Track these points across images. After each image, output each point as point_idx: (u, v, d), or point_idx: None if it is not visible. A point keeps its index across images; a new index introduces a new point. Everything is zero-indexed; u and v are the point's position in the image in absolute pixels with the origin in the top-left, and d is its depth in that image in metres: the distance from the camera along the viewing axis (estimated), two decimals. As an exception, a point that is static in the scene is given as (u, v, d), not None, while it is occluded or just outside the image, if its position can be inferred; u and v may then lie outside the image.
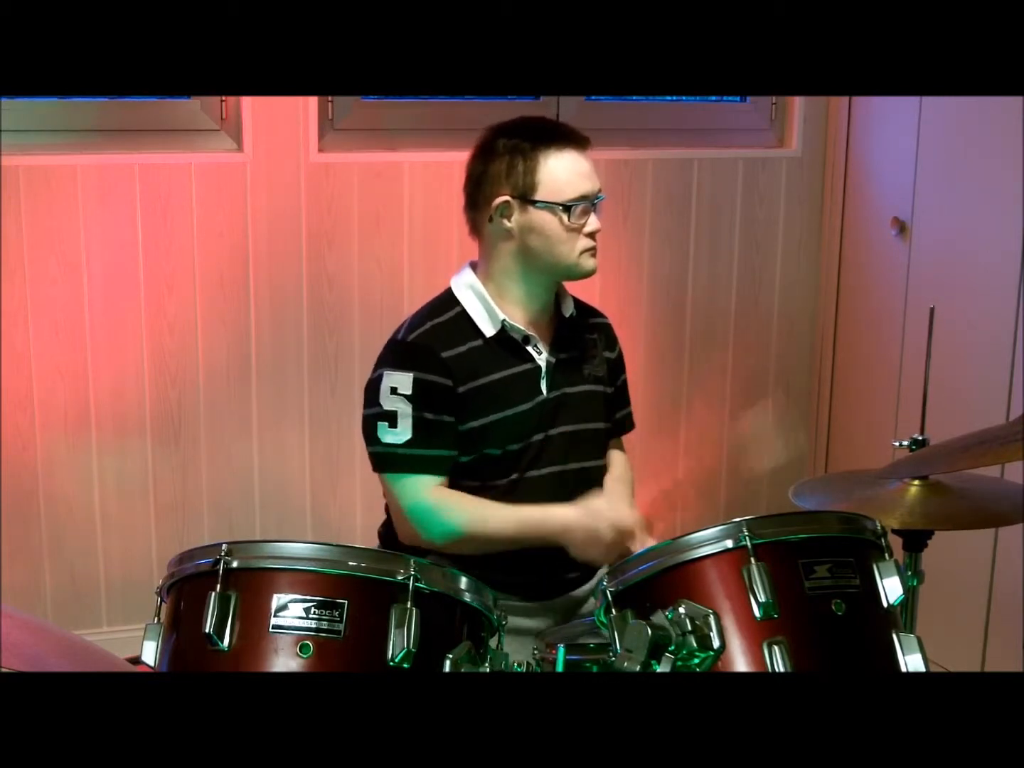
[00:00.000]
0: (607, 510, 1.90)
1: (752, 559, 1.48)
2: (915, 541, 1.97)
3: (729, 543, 1.50)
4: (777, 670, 1.43)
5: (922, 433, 2.04)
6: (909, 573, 1.94)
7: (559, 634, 1.83)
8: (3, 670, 1.03)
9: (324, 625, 1.42)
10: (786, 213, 3.38)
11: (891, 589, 1.55)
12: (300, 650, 1.41)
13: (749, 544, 1.49)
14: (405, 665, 1.43)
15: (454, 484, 1.98)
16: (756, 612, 1.46)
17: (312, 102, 2.91)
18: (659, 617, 1.45)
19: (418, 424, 1.92)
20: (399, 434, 1.92)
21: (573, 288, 2.11)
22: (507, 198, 1.94)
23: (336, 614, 1.43)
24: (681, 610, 1.46)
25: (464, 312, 1.99)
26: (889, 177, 3.18)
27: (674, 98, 3.35)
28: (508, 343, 1.99)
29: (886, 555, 1.58)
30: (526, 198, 1.93)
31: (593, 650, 1.65)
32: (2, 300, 2.74)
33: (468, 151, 2.04)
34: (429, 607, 1.47)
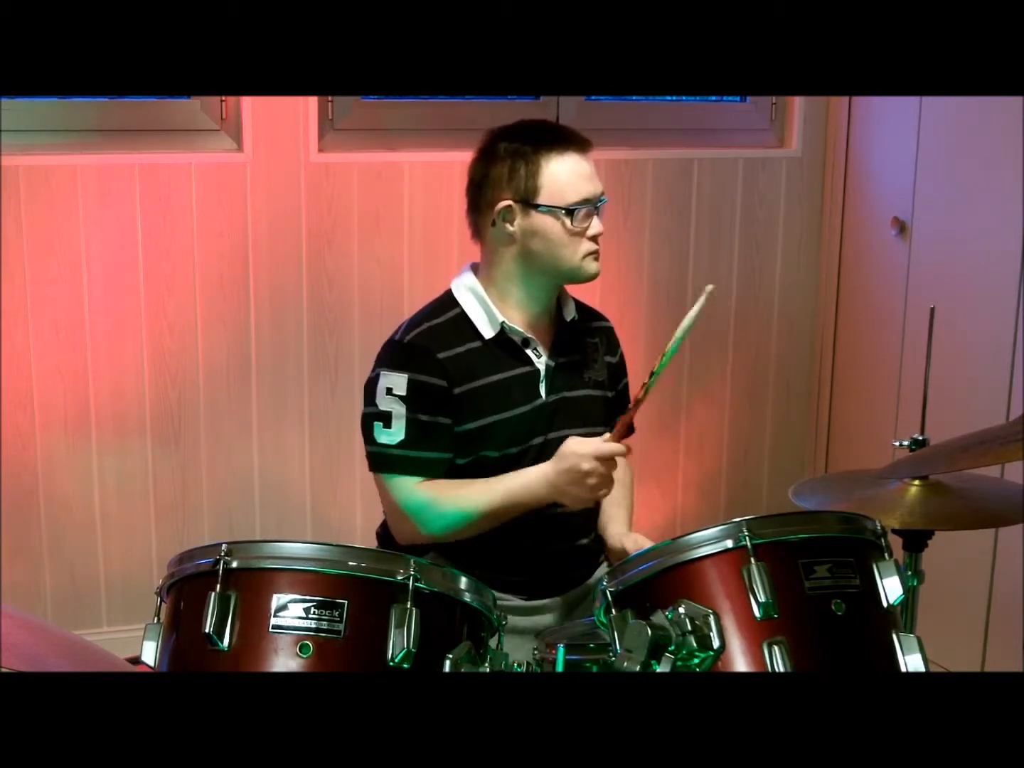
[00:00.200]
0: (578, 446, 1.87)
1: (752, 559, 1.48)
2: (915, 541, 1.97)
3: (729, 543, 1.50)
4: (777, 670, 1.43)
5: (922, 433, 2.04)
6: (909, 573, 1.94)
7: (559, 634, 1.83)
8: (3, 670, 1.03)
9: (324, 625, 1.42)
10: (786, 213, 3.38)
11: (891, 589, 1.55)
12: (300, 650, 1.41)
13: (749, 544, 1.49)
14: (405, 665, 1.43)
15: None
16: (756, 612, 1.46)
17: (312, 102, 2.91)
18: (659, 617, 1.45)
19: (411, 425, 1.92)
20: (393, 434, 1.92)
21: (574, 289, 2.10)
22: (509, 202, 1.93)
23: (336, 614, 1.43)
24: (681, 610, 1.46)
25: (463, 314, 1.99)
26: (889, 177, 3.18)
27: (674, 98, 3.35)
28: (507, 345, 1.99)
29: (886, 555, 1.58)
30: (528, 202, 1.93)
31: (593, 650, 1.65)
32: (2, 300, 2.74)
33: (468, 151, 2.03)
34: (429, 607, 1.47)
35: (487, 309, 1.98)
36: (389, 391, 1.93)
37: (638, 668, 1.42)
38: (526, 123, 2.03)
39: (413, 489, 1.93)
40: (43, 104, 2.79)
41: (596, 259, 1.98)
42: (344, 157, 2.97)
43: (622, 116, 3.27)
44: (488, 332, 1.98)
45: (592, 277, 1.99)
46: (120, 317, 2.85)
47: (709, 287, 1.82)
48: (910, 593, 1.95)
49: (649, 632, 1.42)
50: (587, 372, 2.08)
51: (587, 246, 1.96)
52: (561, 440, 2.00)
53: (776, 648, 1.44)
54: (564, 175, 1.93)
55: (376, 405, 1.94)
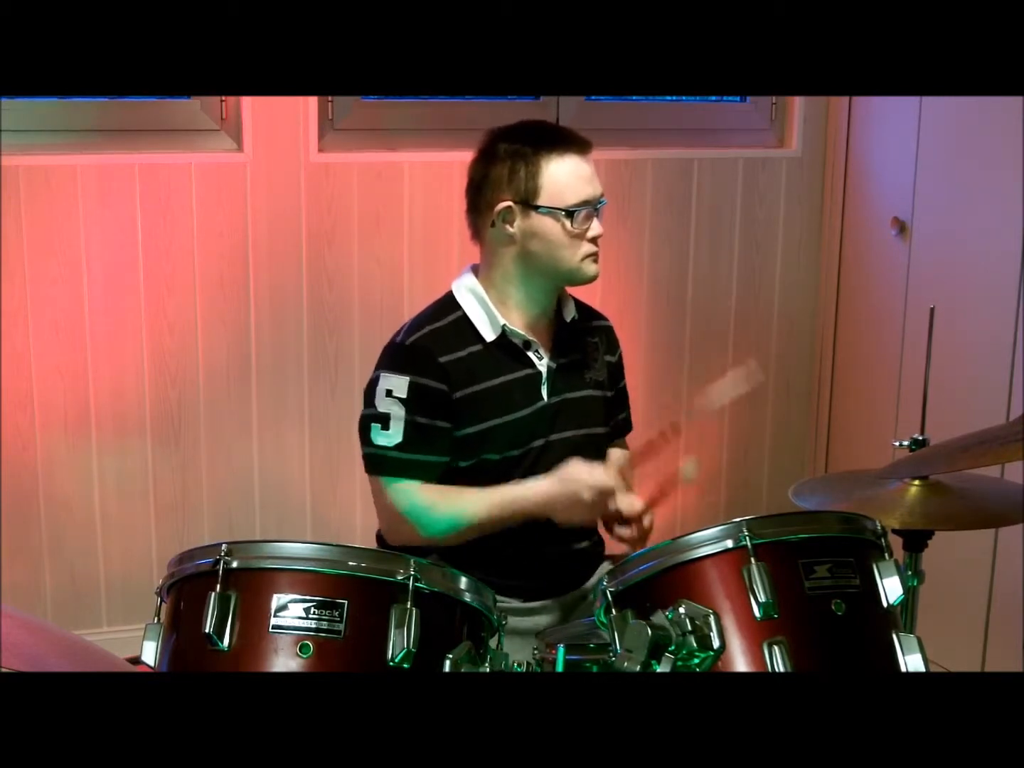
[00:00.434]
0: (582, 473, 1.89)
1: (752, 559, 1.48)
2: (915, 541, 1.97)
3: (729, 543, 1.50)
4: (777, 670, 1.43)
5: (922, 433, 2.04)
6: (909, 573, 1.94)
7: (559, 634, 1.83)
8: (3, 670, 1.03)
9: (324, 625, 1.42)
10: (786, 213, 3.38)
11: (891, 589, 1.55)
12: (300, 650, 1.41)
13: (749, 544, 1.49)
14: (405, 665, 1.43)
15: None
16: (756, 612, 1.46)
17: (312, 102, 2.91)
18: (659, 617, 1.45)
19: (409, 428, 1.92)
20: (390, 437, 1.92)
21: (574, 289, 2.10)
22: (509, 203, 1.93)
23: (336, 614, 1.43)
24: (681, 610, 1.46)
25: (465, 316, 1.99)
26: (889, 177, 3.18)
27: (674, 98, 3.35)
28: (509, 348, 1.99)
29: (886, 555, 1.58)
30: (528, 203, 1.93)
31: (593, 650, 1.65)
32: (2, 300, 2.74)
33: (468, 151, 2.03)
34: (429, 607, 1.47)
35: (488, 312, 1.98)
36: (389, 393, 1.92)
37: (638, 668, 1.42)
38: (526, 124, 2.02)
39: (409, 493, 1.93)
40: (43, 104, 2.79)
41: (595, 261, 1.98)
42: (344, 157, 2.97)
43: (622, 116, 3.27)
44: (489, 335, 1.98)
45: (591, 279, 1.99)
46: (120, 317, 2.85)
47: (753, 365, 1.86)
48: (910, 593, 1.95)
49: (649, 632, 1.42)
50: (588, 373, 2.08)
51: (587, 248, 1.96)
52: (562, 442, 2.00)
53: (776, 648, 1.44)
54: (564, 177, 1.92)
55: (375, 407, 1.94)
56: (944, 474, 1.97)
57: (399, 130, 3.08)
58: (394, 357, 1.97)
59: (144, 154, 2.83)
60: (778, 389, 3.47)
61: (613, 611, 1.53)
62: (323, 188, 2.95)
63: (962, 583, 2.82)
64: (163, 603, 1.55)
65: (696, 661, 1.45)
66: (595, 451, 2.09)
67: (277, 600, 1.43)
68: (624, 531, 2.00)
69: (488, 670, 1.53)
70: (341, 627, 1.43)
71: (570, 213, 1.92)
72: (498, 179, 1.94)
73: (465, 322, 1.98)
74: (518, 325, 1.99)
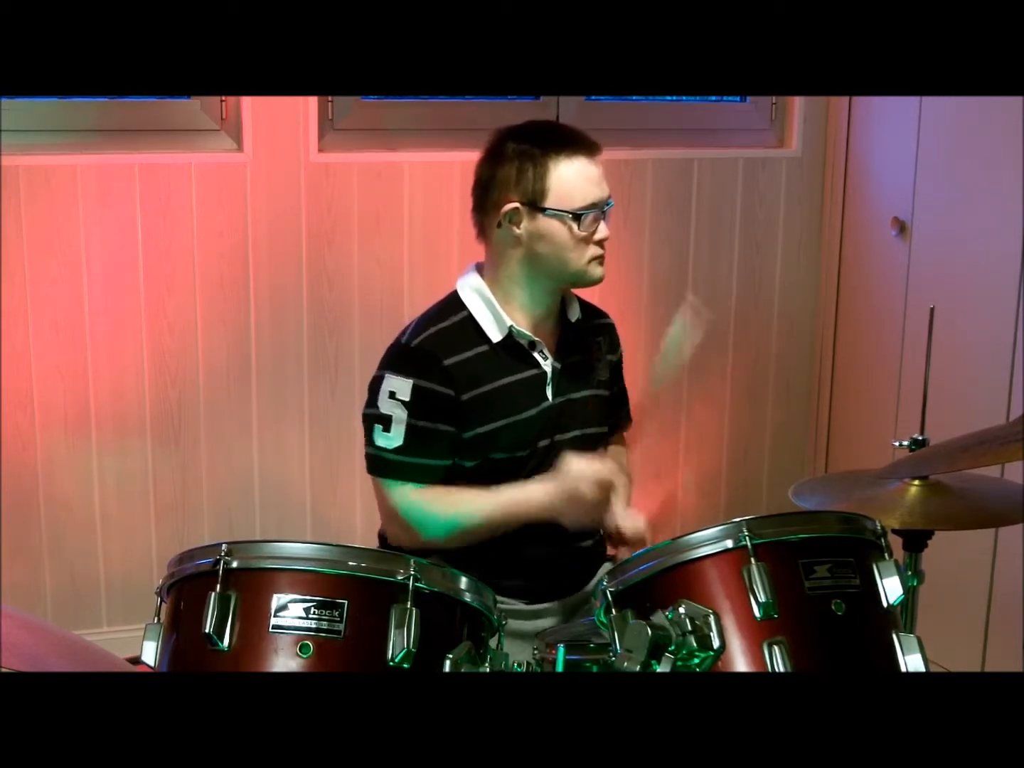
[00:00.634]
0: (582, 468, 1.88)
1: (752, 559, 1.48)
2: (915, 541, 1.96)
3: (729, 543, 1.50)
4: (777, 670, 1.43)
5: (922, 433, 2.03)
6: (909, 573, 1.94)
7: (559, 634, 1.83)
8: (3, 670, 1.03)
9: (324, 625, 1.42)
10: (786, 213, 3.38)
11: (891, 589, 1.55)
12: (300, 650, 1.41)
13: (749, 544, 1.48)
14: (405, 665, 1.43)
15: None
16: (756, 612, 1.46)
17: (312, 102, 2.91)
18: (659, 617, 1.45)
19: (411, 431, 1.91)
20: (391, 439, 1.92)
21: (575, 289, 2.10)
22: (516, 205, 1.92)
23: (336, 614, 1.43)
24: (681, 610, 1.46)
25: (470, 317, 1.98)
26: (889, 177, 3.18)
27: (674, 98, 3.35)
28: (514, 349, 1.98)
29: (886, 555, 1.58)
30: (535, 205, 1.92)
31: (593, 650, 1.65)
32: (2, 300, 2.74)
33: (468, 151, 2.03)
34: (429, 607, 1.47)
35: (495, 312, 1.98)
36: (392, 395, 1.92)
37: (638, 668, 1.42)
38: (534, 124, 2.02)
39: (410, 495, 1.93)
40: (43, 104, 2.79)
41: (601, 263, 1.97)
42: (344, 157, 2.97)
43: (622, 116, 3.26)
44: (496, 336, 1.97)
45: (597, 281, 1.99)
46: (120, 317, 2.85)
47: (690, 298, 1.83)
48: (910, 593, 1.95)
49: (649, 632, 1.42)
50: (591, 373, 2.08)
51: (593, 250, 1.95)
52: (567, 442, 2.00)
53: (776, 648, 1.44)
54: (572, 179, 1.92)
55: (377, 407, 1.93)
56: (944, 474, 1.97)
57: (399, 130, 3.08)
58: (399, 358, 1.96)
59: (144, 154, 2.83)
60: (778, 389, 3.48)
61: (613, 611, 1.53)
62: (323, 188, 2.95)
63: (962, 583, 2.82)
64: (163, 603, 1.55)
65: (696, 661, 1.45)
66: (598, 450, 2.09)
67: (277, 600, 1.43)
68: (625, 552, 1.99)
69: (488, 670, 1.53)
70: (341, 627, 1.43)
71: (577, 216, 1.91)
72: (505, 180, 1.93)
73: (471, 322, 1.98)
74: (523, 325, 1.99)
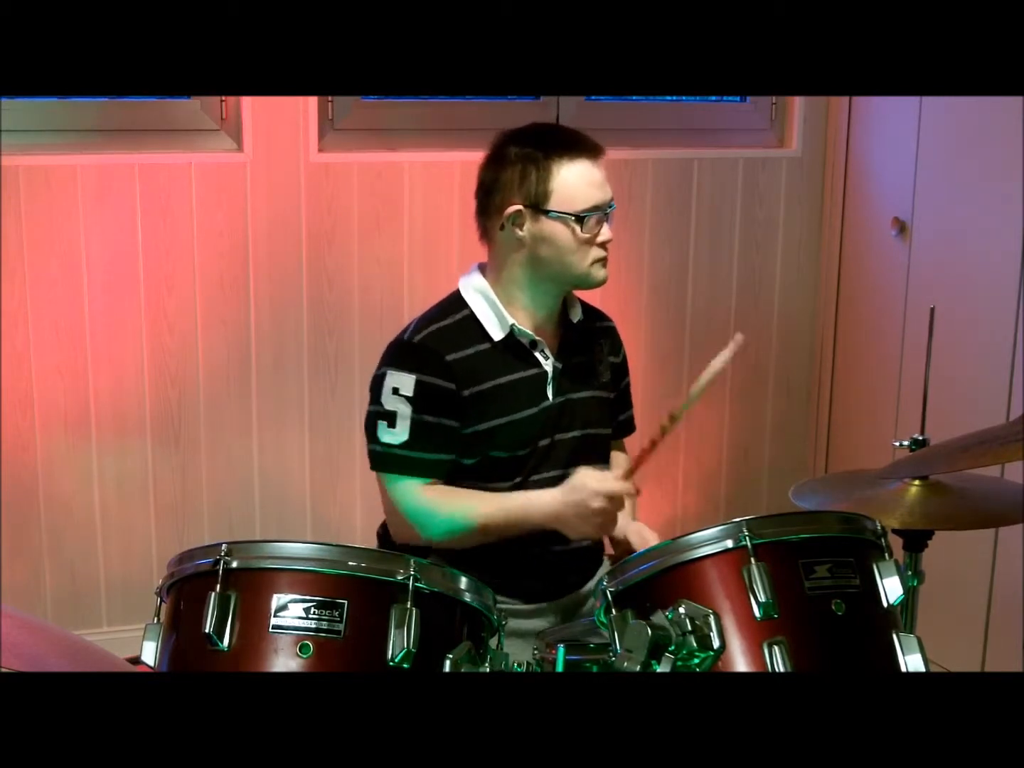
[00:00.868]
0: (591, 481, 1.87)
1: (752, 559, 1.48)
2: (915, 541, 1.96)
3: (729, 543, 1.50)
4: (777, 670, 1.43)
5: (922, 433, 2.03)
6: (909, 573, 1.94)
7: (559, 634, 1.83)
8: (3, 670, 1.03)
9: (324, 625, 1.42)
10: (786, 213, 3.38)
11: (891, 589, 1.55)
12: (300, 650, 1.41)
13: (749, 544, 1.48)
14: (405, 665, 1.43)
15: (460, 486, 1.97)
16: (756, 612, 1.46)
17: (312, 102, 2.91)
18: (659, 617, 1.45)
19: (416, 426, 1.92)
20: (397, 435, 1.92)
21: (577, 291, 2.10)
22: (519, 207, 1.92)
23: (336, 614, 1.43)
24: (681, 610, 1.46)
25: (472, 315, 1.98)
26: (889, 177, 3.18)
27: (674, 98, 3.35)
28: (516, 347, 1.99)
29: (886, 555, 1.58)
30: (538, 208, 1.92)
31: (593, 650, 1.65)
32: (2, 300, 2.74)
33: (468, 151, 2.03)
34: (429, 607, 1.47)
35: (497, 311, 1.98)
36: (396, 391, 1.92)
37: (638, 668, 1.42)
38: (537, 127, 2.02)
39: (415, 492, 1.93)
40: (43, 104, 2.79)
41: (604, 266, 1.97)
42: (344, 157, 2.97)
43: (622, 116, 3.27)
44: (497, 334, 1.97)
45: (600, 283, 1.99)
46: (120, 317, 2.85)
47: (738, 337, 1.83)
48: (910, 593, 1.95)
49: (649, 632, 1.42)
50: (592, 373, 2.08)
51: (596, 252, 1.95)
52: (566, 442, 2.00)
53: (776, 648, 1.44)
54: (575, 181, 1.91)
55: (381, 404, 1.94)
56: (944, 474, 1.97)
57: (399, 130, 3.08)
58: (401, 354, 1.97)
59: (144, 154, 2.83)
60: (778, 389, 3.48)
61: (613, 611, 1.53)
62: (323, 188, 2.95)
63: (962, 583, 2.82)
64: (163, 603, 1.55)
65: (696, 661, 1.45)
66: (598, 451, 2.10)
67: (277, 600, 1.43)
68: None
69: (488, 670, 1.53)
70: (341, 627, 1.43)
71: (580, 218, 1.91)
72: (508, 183, 1.93)
73: (472, 321, 1.98)
74: (525, 325, 1.99)
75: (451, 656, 1.47)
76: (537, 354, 2.00)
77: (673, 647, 1.43)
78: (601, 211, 1.94)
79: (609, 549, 2.13)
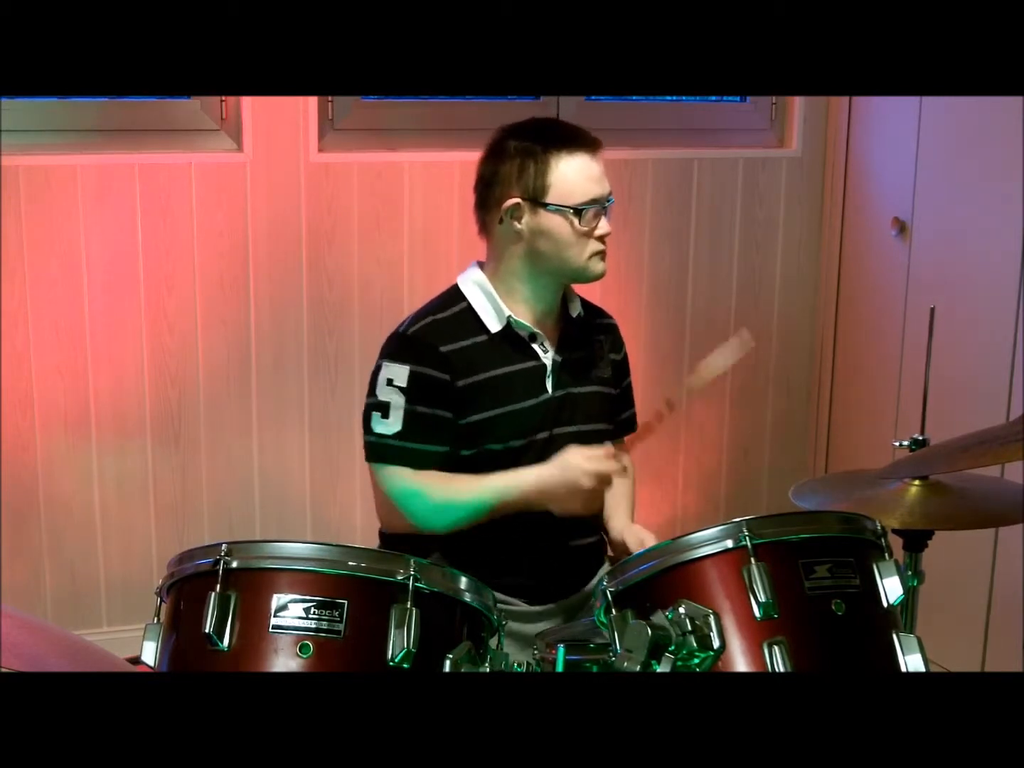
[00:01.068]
0: (579, 458, 1.89)
1: (752, 559, 1.48)
2: (915, 541, 1.96)
3: (729, 543, 1.50)
4: (777, 670, 1.43)
5: (922, 433, 2.03)
6: (909, 573, 1.94)
7: (559, 634, 1.83)
8: (3, 670, 1.03)
9: (324, 625, 1.42)
10: (786, 213, 3.38)
11: (891, 589, 1.54)
12: (300, 650, 1.41)
13: (749, 544, 1.48)
14: (405, 665, 1.43)
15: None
16: (756, 612, 1.46)
17: (312, 102, 2.91)
18: (659, 617, 1.45)
19: (409, 417, 1.92)
20: (390, 425, 1.93)
21: (576, 288, 2.10)
22: (518, 200, 1.93)
23: (336, 614, 1.43)
24: (681, 610, 1.46)
25: (469, 307, 1.99)
26: (889, 177, 3.18)
27: (674, 98, 3.35)
28: (514, 340, 1.99)
29: (886, 555, 1.58)
30: (537, 201, 1.93)
31: (593, 650, 1.65)
32: (2, 300, 2.74)
33: (468, 151, 2.03)
34: (429, 607, 1.47)
35: (494, 303, 1.98)
36: (390, 382, 1.93)
37: (638, 668, 1.42)
38: (536, 121, 2.03)
39: (403, 478, 1.93)
40: (43, 104, 2.79)
41: (603, 259, 1.98)
42: (344, 157, 2.97)
43: (622, 116, 3.27)
44: (495, 326, 1.98)
45: (598, 277, 1.99)
46: (120, 317, 2.85)
47: (744, 334, 1.83)
48: (910, 593, 1.95)
49: (649, 632, 1.42)
50: (593, 369, 2.08)
51: (594, 246, 1.96)
52: (567, 436, 2.00)
53: (776, 648, 1.43)
54: (573, 175, 1.93)
55: (376, 395, 1.95)
56: (944, 474, 1.97)
57: (399, 130, 3.08)
58: (396, 346, 1.98)
59: (144, 154, 2.83)
60: (778, 389, 3.48)
61: (613, 611, 1.53)
62: (323, 188, 2.95)
63: (962, 583, 2.82)
64: (163, 603, 1.54)
65: (696, 661, 1.45)
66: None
67: (277, 600, 1.43)
68: None
69: (488, 670, 1.53)
70: (341, 627, 1.43)
71: (578, 211, 1.92)
72: (507, 176, 1.94)
73: (470, 313, 1.99)
74: (524, 318, 1.99)
75: (451, 656, 1.47)
76: (536, 347, 2.01)
77: (673, 647, 1.43)
78: (599, 204, 1.94)
79: (608, 550, 2.13)
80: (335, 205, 2.96)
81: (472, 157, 2.04)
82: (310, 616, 1.42)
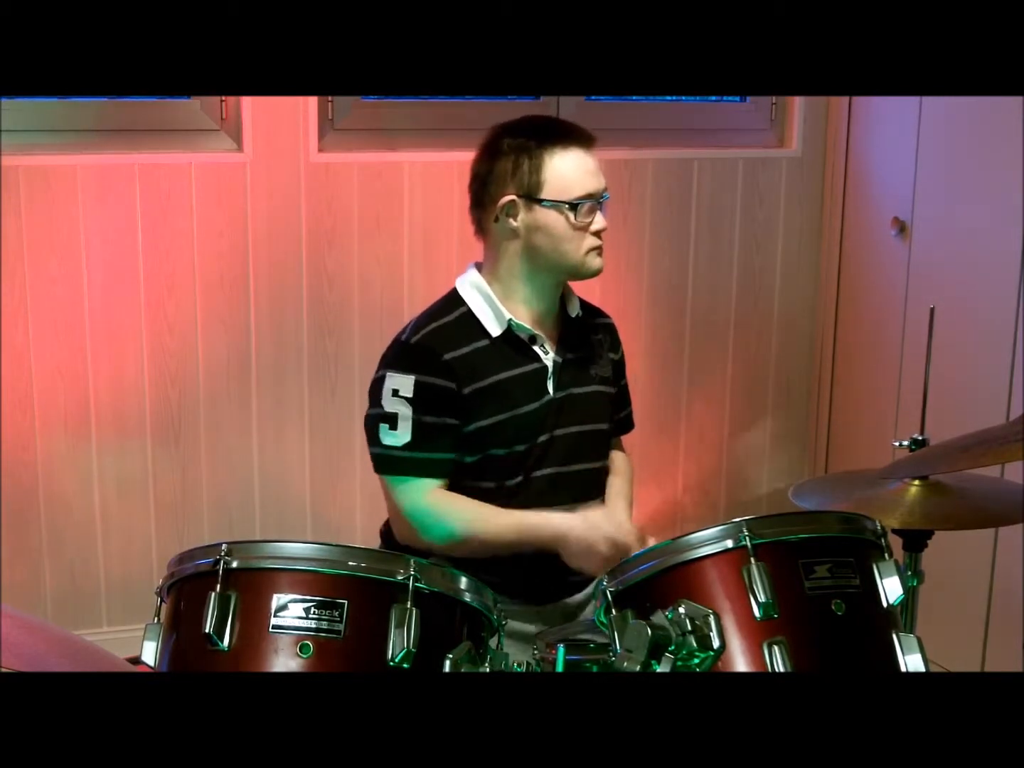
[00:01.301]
0: (605, 523, 1.89)
1: (752, 559, 1.48)
2: (915, 541, 1.97)
3: (729, 543, 1.50)
4: (777, 670, 1.43)
5: (922, 433, 2.04)
6: (909, 573, 1.94)
7: (559, 634, 1.83)
8: (3, 670, 1.03)
9: (324, 625, 1.42)
10: (786, 213, 3.38)
11: (891, 589, 1.54)
12: (300, 650, 1.41)
13: (749, 544, 1.48)
14: (405, 665, 1.42)
15: (459, 484, 1.98)
16: (756, 612, 1.46)
17: (312, 102, 2.92)
18: (659, 617, 1.45)
19: (418, 427, 1.92)
20: (398, 436, 1.92)
21: (575, 288, 2.11)
22: (513, 197, 1.93)
23: (336, 614, 1.43)
24: (681, 610, 1.46)
25: (469, 312, 1.99)
26: (889, 177, 3.18)
27: (674, 98, 3.35)
28: (515, 343, 1.99)
29: (886, 555, 1.58)
30: (532, 197, 1.93)
31: (593, 650, 1.65)
32: (2, 300, 2.74)
33: (468, 151, 2.03)
34: (429, 607, 1.47)
35: (494, 307, 1.98)
36: (395, 392, 1.92)
37: (638, 668, 1.42)
38: (530, 119, 2.03)
39: (419, 494, 1.93)
40: (43, 104, 2.79)
41: (599, 255, 1.98)
42: (344, 157, 2.97)
43: (622, 116, 3.27)
44: (495, 330, 1.98)
45: (596, 272, 1.99)
46: (120, 317, 2.85)
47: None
48: (910, 593, 1.95)
49: (649, 632, 1.42)
50: (593, 368, 2.08)
51: (590, 241, 1.96)
52: (567, 437, 2.00)
53: (776, 648, 1.43)
54: (567, 170, 1.93)
55: (382, 406, 1.94)
56: (944, 474, 1.97)
57: (399, 130, 3.08)
58: (399, 356, 1.97)
59: (144, 154, 2.83)
60: (778, 389, 3.48)
61: (613, 611, 1.53)
62: (323, 188, 2.95)
63: (962, 583, 2.82)
64: (163, 603, 1.54)
65: (696, 661, 1.45)
66: (597, 447, 2.10)
67: (277, 600, 1.43)
68: None
69: (488, 670, 1.53)
70: (341, 627, 1.43)
71: (573, 206, 1.92)
72: (502, 174, 1.94)
73: (470, 318, 1.98)
74: (523, 320, 1.99)
75: (451, 656, 1.47)
76: (537, 349, 2.01)
77: (673, 647, 1.43)
78: (594, 199, 1.94)
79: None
80: (335, 205, 2.96)
81: (472, 157, 2.04)
82: (310, 616, 1.42)
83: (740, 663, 1.45)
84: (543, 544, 1.91)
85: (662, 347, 3.32)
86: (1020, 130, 2.64)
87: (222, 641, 1.42)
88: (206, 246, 2.89)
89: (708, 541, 1.51)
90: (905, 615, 1.92)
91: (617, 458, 2.18)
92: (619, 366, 2.18)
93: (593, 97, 3.22)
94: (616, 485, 2.12)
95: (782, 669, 1.42)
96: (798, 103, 3.34)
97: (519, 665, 1.62)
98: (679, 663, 1.43)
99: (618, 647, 1.46)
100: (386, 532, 2.08)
